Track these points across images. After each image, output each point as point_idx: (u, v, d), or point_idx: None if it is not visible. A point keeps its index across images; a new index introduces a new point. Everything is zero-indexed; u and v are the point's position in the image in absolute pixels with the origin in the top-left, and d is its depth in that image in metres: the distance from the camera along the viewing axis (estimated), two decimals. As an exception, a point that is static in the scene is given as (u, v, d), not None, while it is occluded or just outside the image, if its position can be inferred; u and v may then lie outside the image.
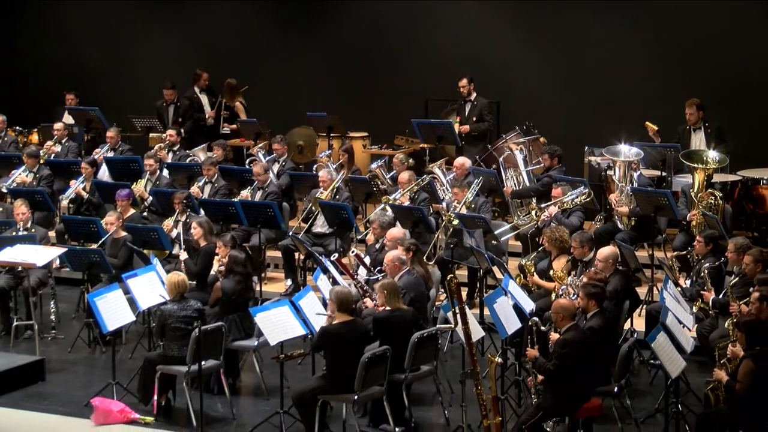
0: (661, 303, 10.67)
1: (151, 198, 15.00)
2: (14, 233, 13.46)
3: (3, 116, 17.63)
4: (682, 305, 10.94)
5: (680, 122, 14.83)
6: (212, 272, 12.18)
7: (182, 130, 17.20)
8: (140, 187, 15.13)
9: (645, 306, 12.14)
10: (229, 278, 11.60)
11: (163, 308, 10.99)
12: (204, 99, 18.14)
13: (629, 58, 16.69)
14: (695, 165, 13.44)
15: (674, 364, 9.59)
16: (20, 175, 15.66)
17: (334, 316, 10.12)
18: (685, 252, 12.58)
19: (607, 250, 11.38)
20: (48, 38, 20.48)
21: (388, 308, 10.47)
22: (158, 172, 15.51)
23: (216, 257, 12.09)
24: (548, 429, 9.79)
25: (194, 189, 14.95)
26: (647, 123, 14.81)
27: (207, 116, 18.05)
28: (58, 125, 17.30)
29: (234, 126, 17.84)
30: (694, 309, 11.35)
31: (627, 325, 11.53)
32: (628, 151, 13.92)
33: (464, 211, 13.51)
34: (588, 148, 15.24)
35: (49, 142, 17.10)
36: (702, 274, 11.46)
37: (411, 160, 15.18)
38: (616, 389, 10.02)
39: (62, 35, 20.36)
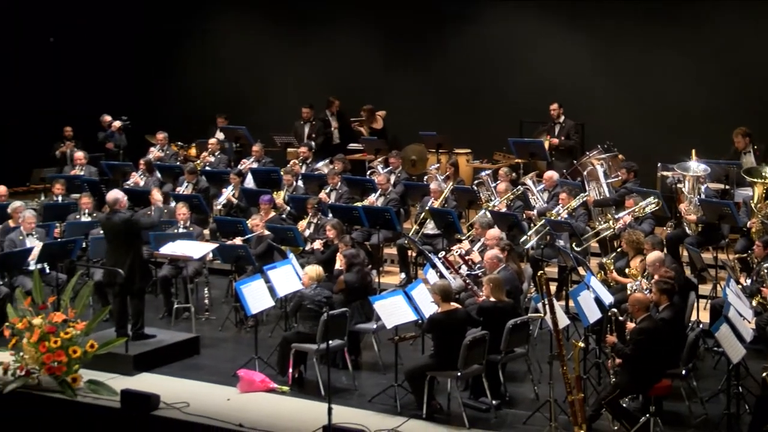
0: (724, 298, 10.48)
1: (288, 208, 15.09)
2: (176, 231, 13.71)
3: (165, 133, 18.03)
4: (743, 300, 10.74)
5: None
6: (336, 267, 12.27)
7: (313, 144, 17.43)
8: (280, 200, 15.26)
9: (710, 301, 11.93)
10: (351, 272, 11.71)
11: (302, 291, 11.14)
12: (333, 122, 18.34)
13: (697, 85, 16.40)
14: (755, 179, 13.22)
15: (735, 352, 9.43)
16: (183, 190, 15.91)
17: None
18: (745, 254, 12.31)
19: (653, 256, 11.10)
20: (203, 69, 20.87)
21: (492, 299, 10.48)
22: (294, 183, 15.72)
23: (338, 254, 12.22)
24: (624, 404, 9.69)
25: (322, 195, 15.12)
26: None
27: (332, 128, 18.24)
28: (212, 140, 17.73)
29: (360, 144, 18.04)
30: (754, 304, 11.13)
31: (693, 317, 11.34)
32: (696, 167, 13.68)
33: (565, 215, 13.44)
34: (660, 164, 15.01)
35: (204, 153, 17.53)
36: (761, 273, 11.25)
37: (513, 174, 15.14)
38: (683, 372, 9.86)
39: (215, 67, 20.71)
